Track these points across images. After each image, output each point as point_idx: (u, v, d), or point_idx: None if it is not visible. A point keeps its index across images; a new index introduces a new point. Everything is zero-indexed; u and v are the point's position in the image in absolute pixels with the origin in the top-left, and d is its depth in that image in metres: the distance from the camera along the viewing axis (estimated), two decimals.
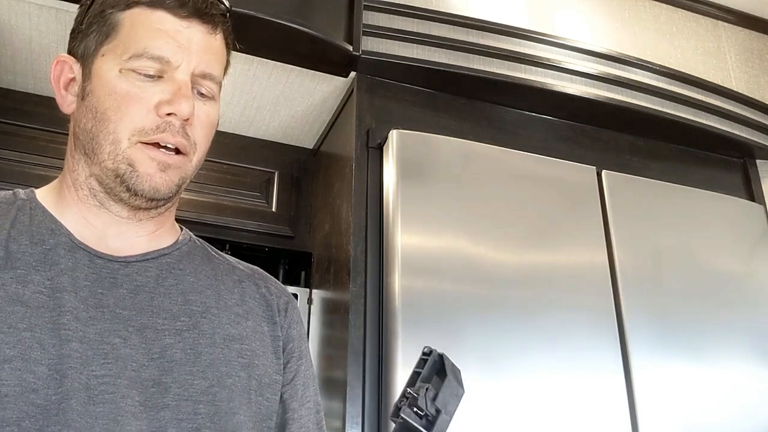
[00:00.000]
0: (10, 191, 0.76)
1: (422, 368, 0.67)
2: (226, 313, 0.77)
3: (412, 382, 0.67)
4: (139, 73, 0.72)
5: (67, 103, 0.77)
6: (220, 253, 0.86)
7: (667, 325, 1.57)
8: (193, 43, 0.74)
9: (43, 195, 0.77)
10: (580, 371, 1.44)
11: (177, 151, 0.73)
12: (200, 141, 0.76)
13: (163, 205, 0.77)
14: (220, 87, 0.79)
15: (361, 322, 1.41)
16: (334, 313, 1.56)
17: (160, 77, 0.72)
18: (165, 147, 0.72)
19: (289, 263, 1.86)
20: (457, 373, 0.70)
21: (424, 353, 0.69)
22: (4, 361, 0.61)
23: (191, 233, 0.85)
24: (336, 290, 1.57)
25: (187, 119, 0.73)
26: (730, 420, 1.54)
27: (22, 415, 0.60)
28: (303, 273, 1.83)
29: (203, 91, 0.76)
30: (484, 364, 1.37)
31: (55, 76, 0.77)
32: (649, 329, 1.55)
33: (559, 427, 1.37)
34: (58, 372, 0.63)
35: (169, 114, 0.72)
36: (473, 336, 1.38)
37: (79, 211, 0.75)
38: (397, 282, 1.38)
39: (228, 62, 0.82)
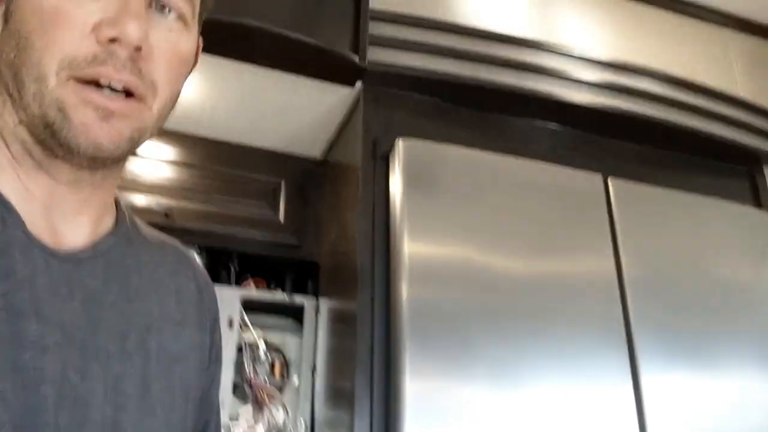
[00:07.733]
0: None
1: None
2: (167, 324, 0.65)
3: None
4: None
5: None
6: (145, 225, 0.71)
7: (676, 333, 1.56)
8: None
9: None
10: (588, 380, 1.43)
11: (128, 94, 0.55)
12: (161, 79, 0.57)
13: (111, 166, 0.59)
14: (195, 11, 0.61)
15: (369, 332, 1.40)
16: (341, 323, 1.56)
17: None
18: (109, 87, 0.53)
19: (297, 273, 1.86)
20: None
21: None
22: None
23: (122, 203, 0.67)
24: (343, 300, 1.57)
25: (139, 48, 0.54)
26: (741, 430, 1.53)
27: None
28: (310, 282, 1.84)
29: (166, 4, 0.57)
30: (492, 373, 1.36)
31: None
32: (658, 338, 1.54)
33: None
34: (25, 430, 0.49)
35: (112, 40, 0.53)
36: (481, 345, 1.37)
37: (17, 176, 0.56)
38: (405, 292, 1.38)
39: None
